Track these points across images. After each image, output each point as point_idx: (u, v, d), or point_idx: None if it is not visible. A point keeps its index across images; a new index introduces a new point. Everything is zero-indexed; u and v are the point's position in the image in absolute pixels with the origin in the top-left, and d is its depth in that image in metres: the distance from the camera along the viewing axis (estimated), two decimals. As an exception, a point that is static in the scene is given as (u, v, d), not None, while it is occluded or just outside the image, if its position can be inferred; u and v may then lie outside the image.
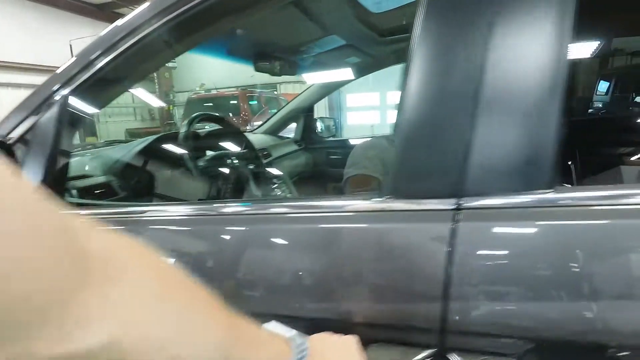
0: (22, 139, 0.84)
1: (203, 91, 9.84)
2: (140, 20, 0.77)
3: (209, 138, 1.49)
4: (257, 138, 2.14)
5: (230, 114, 7.89)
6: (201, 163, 1.27)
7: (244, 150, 1.58)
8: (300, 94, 2.38)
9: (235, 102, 8.05)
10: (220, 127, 1.59)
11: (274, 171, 1.72)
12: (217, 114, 1.60)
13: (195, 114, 1.36)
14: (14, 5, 9.02)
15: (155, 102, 11.05)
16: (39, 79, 0.89)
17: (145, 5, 0.79)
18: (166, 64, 10.43)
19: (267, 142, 2.11)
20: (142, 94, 9.94)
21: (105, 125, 10.30)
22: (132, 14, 0.80)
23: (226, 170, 1.39)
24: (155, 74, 10.79)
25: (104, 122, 10.31)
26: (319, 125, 2.47)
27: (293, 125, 2.46)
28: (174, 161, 1.28)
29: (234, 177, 1.40)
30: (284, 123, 2.39)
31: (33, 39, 9.31)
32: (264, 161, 1.75)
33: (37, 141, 0.83)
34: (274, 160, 1.92)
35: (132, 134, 9.42)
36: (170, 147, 1.28)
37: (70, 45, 8.65)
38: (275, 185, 1.67)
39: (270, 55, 1.45)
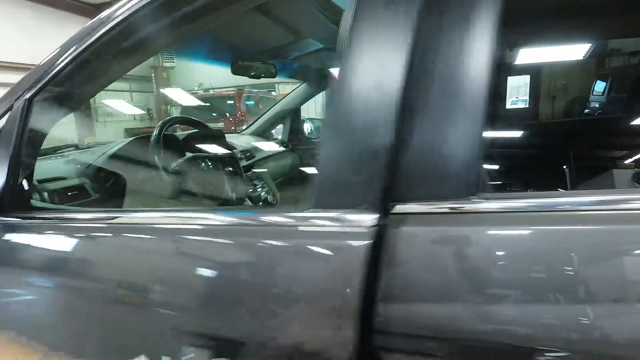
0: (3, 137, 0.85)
1: (202, 91, 9.84)
2: (114, 16, 0.77)
3: (184, 141, 1.49)
4: (242, 139, 2.14)
5: (227, 114, 7.90)
6: (173, 166, 1.27)
7: (221, 152, 1.57)
8: (287, 95, 2.39)
9: (231, 102, 8.06)
10: (197, 130, 1.59)
11: (255, 173, 1.73)
12: (190, 117, 1.59)
13: (167, 118, 1.36)
14: (10, 5, 9.04)
15: (153, 102, 11.06)
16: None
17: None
18: (164, 64, 10.49)
19: (251, 144, 2.11)
20: (139, 94, 9.96)
21: (104, 125, 10.31)
22: (108, 10, 0.81)
23: (200, 173, 1.39)
24: (152, 74, 10.80)
25: (103, 122, 10.32)
26: (307, 127, 2.48)
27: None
28: (145, 164, 1.28)
29: (208, 179, 1.40)
30: (271, 124, 2.40)
31: (30, 39, 9.31)
32: (245, 163, 1.75)
33: (4, 139, 0.83)
34: (256, 162, 1.92)
35: (131, 134, 9.43)
36: (142, 150, 1.28)
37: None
38: (257, 187, 1.67)
39: (246, 59, 1.46)
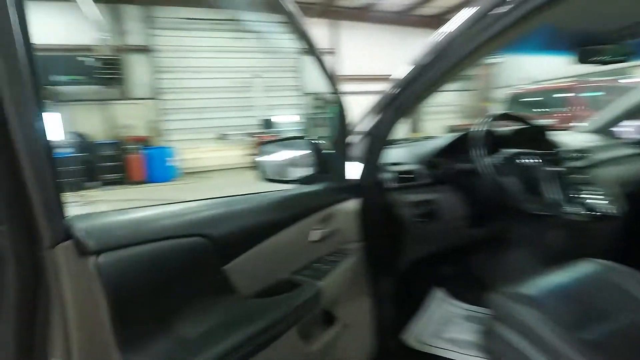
0: (368, 133, 1.14)
1: (530, 85, 8.99)
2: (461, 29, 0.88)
3: (504, 137, 1.46)
4: (576, 137, 1.85)
5: (561, 109, 6.92)
6: (490, 162, 1.29)
7: (545, 150, 1.42)
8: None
9: (566, 94, 6.98)
10: (524, 126, 1.50)
11: (591, 177, 1.45)
12: (514, 113, 1.52)
13: (492, 113, 1.38)
14: (364, 29, 11.77)
15: (472, 100, 11.24)
16: (383, 87, 1.14)
17: (466, 12, 0.88)
18: (490, 60, 10.41)
19: (590, 142, 1.78)
20: (459, 93, 10.36)
21: (426, 123, 11.55)
22: (451, 24, 0.92)
23: (518, 172, 1.33)
24: (474, 72, 10.99)
25: (425, 120, 11.57)
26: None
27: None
28: (465, 158, 1.37)
29: (527, 179, 1.31)
30: (618, 119, 1.93)
31: (379, 54, 11.78)
32: (575, 164, 1.51)
33: (375, 133, 1.10)
34: (594, 165, 1.60)
35: (451, 131, 10.04)
36: (465, 144, 1.37)
37: (409, 55, 10.24)
38: (591, 194, 1.40)
39: (599, 42, 1.23)
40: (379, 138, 1.10)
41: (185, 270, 0.73)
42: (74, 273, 0.59)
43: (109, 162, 8.85)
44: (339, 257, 1.03)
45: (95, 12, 8.20)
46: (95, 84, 8.99)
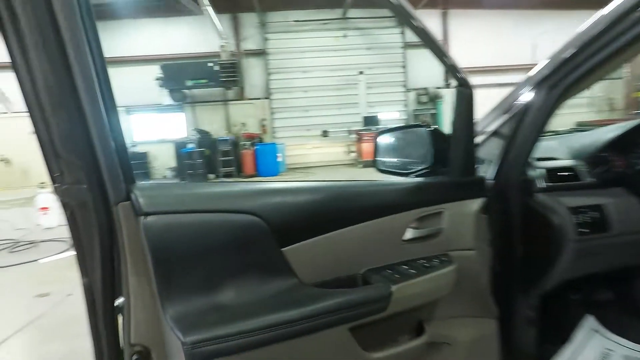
0: (495, 132, 1.00)
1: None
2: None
3: None
4: None
5: None
6: None
7: None
8: None
9: None
10: None
11: None
12: None
13: None
14: (477, 16, 10.78)
15: (617, 91, 9.52)
16: (502, 78, 1.01)
17: None
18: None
19: None
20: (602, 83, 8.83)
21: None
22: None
23: None
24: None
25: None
26: None
27: None
28: None
29: None
30: None
31: (498, 43, 10.73)
32: None
33: (523, 131, 0.95)
34: None
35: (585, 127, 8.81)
36: None
37: (534, 42, 9.10)
38: None
39: None
40: (521, 132, 0.96)
41: (232, 243, 0.75)
42: (130, 229, 0.71)
43: (226, 157, 9.78)
44: (436, 262, 0.89)
45: (216, 21, 9.12)
46: (216, 86, 10.06)
